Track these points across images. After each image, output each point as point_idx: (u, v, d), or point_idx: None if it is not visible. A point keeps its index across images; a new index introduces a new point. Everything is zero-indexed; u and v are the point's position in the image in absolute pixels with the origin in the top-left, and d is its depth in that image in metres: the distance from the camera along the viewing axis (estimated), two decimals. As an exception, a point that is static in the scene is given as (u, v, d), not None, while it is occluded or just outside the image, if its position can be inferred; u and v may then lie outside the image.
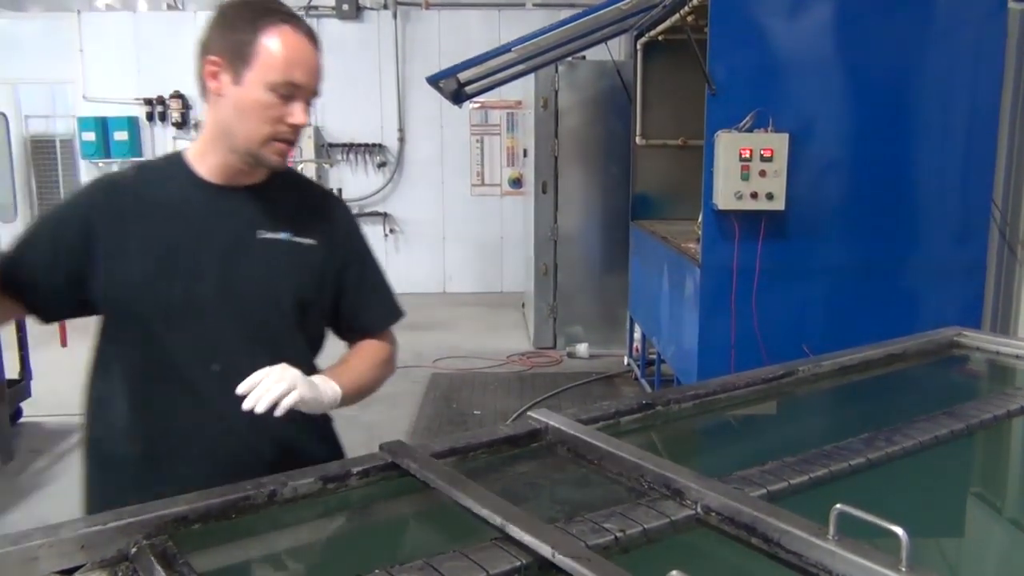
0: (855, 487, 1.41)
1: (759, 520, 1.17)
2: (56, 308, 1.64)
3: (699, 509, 1.25)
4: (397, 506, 1.39)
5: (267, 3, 1.50)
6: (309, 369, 1.54)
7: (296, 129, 1.51)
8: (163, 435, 1.57)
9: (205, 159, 1.57)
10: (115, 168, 9.26)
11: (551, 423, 1.58)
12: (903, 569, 1.00)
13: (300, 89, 1.49)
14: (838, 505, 1.08)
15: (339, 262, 1.67)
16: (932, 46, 3.76)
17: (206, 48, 1.51)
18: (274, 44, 1.46)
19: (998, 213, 4.04)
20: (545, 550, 1.08)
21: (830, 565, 1.08)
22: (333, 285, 1.67)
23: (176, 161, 1.59)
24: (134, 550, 1.15)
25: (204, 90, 1.54)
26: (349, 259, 1.70)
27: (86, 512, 1.53)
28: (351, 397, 1.58)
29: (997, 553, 1.45)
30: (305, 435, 1.61)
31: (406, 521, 1.40)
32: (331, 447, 1.72)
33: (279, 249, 1.58)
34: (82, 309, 1.60)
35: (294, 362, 1.45)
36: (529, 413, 1.63)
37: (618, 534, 1.17)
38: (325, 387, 1.50)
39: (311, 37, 1.51)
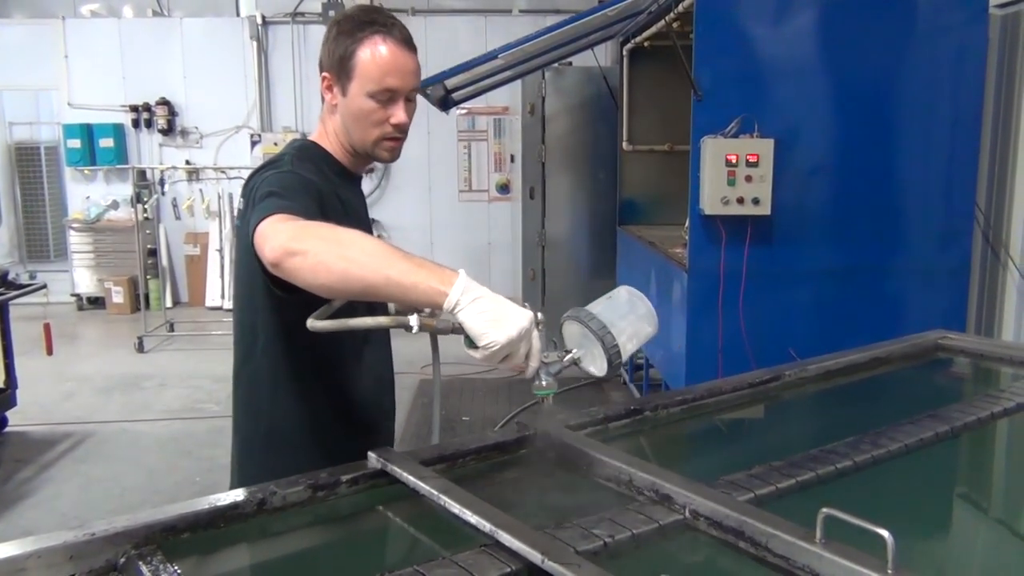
0: (842, 490, 1.42)
1: (747, 524, 1.18)
2: None
3: (687, 514, 1.26)
4: (386, 514, 1.39)
5: (364, 16, 1.68)
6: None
7: (400, 127, 1.69)
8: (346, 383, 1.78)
9: (340, 154, 1.77)
10: (100, 176, 9.32)
11: (540, 429, 1.58)
12: (889, 571, 1.01)
13: (397, 92, 1.66)
14: (825, 508, 1.09)
15: None
16: (915, 52, 3.79)
17: (320, 65, 1.72)
18: (368, 57, 1.64)
19: (981, 216, 4.08)
20: (535, 556, 1.09)
21: (817, 568, 1.09)
22: None
23: (327, 156, 1.76)
24: (123, 560, 1.14)
25: (323, 100, 1.75)
26: None
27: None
28: None
29: (983, 554, 1.47)
30: None
31: (395, 528, 1.40)
32: None
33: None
34: None
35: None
36: (518, 419, 1.64)
37: (607, 539, 1.17)
38: None
39: (404, 41, 1.67)
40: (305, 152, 1.72)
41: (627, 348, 1.44)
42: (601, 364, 1.43)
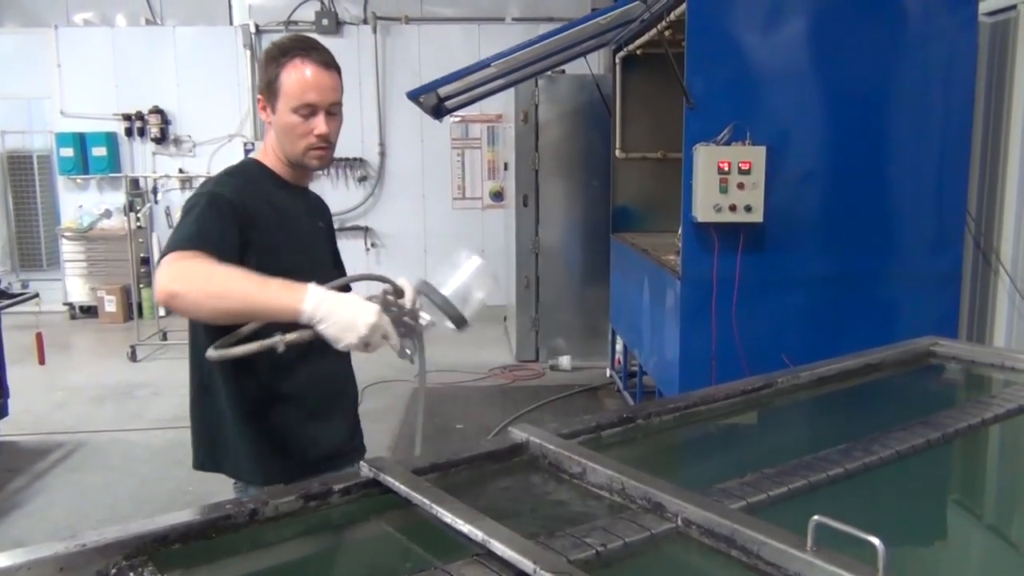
0: (833, 497, 1.42)
1: (738, 532, 1.18)
2: None
3: (679, 522, 1.26)
4: (379, 523, 1.39)
5: (288, 43, 1.92)
6: None
7: (324, 137, 1.91)
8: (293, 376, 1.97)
9: (278, 167, 1.99)
10: (93, 184, 9.30)
11: (532, 438, 1.58)
12: (880, 579, 1.01)
13: (317, 106, 1.88)
14: (816, 516, 1.09)
15: (332, 242, 2.22)
16: (906, 59, 3.82)
17: (257, 88, 2.02)
18: (289, 77, 1.88)
19: (972, 223, 4.10)
20: (527, 565, 1.09)
21: (809, 576, 1.09)
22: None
23: (263, 169, 1.99)
24: (113, 571, 1.14)
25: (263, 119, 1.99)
26: (334, 240, 2.26)
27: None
28: None
29: (974, 561, 1.47)
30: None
31: (388, 538, 1.40)
32: None
33: (323, 235, 2.16)
34: None
35: None
36: (511, 428, 1.64)
37: (599, 548, 1.17)
38: None
39: (323, 63, 1.89)
40: (238, 169, 2.00)
41: (471, 304, 1.71)
42: (449, 323, 1.71)
